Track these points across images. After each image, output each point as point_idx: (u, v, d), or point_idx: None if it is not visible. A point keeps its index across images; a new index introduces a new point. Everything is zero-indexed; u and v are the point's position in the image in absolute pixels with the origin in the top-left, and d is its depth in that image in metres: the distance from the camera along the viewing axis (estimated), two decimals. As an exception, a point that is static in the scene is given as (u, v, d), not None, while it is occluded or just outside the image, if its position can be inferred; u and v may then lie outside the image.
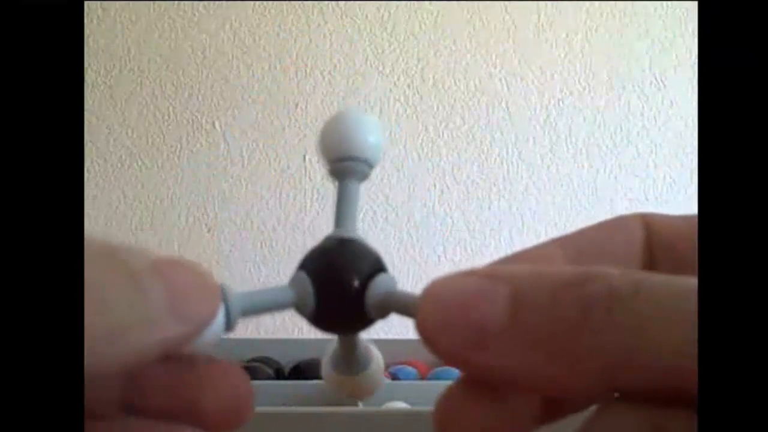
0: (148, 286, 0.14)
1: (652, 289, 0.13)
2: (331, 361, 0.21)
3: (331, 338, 0.20)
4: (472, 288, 0.14)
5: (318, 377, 0.88)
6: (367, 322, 0.19)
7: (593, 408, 0.16)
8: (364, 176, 0.21)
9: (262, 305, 0.18)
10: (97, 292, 0.13)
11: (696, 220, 0.15)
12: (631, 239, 0.18)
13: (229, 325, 0.17)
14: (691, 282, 0.13)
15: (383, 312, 0.18)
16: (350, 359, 0.20)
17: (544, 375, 0.13)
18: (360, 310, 0.18)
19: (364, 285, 0.18)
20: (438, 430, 0.15)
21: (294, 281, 0.19)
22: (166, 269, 0.14)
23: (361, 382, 0.21)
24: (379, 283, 0.18)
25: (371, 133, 0.21)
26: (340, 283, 0.18)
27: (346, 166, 0.21)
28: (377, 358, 0.21)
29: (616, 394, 0.13)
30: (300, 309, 0.18)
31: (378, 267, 0.19)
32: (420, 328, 0.14)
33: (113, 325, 0.13)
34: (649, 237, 0.18)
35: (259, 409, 0.57)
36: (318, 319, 0.19)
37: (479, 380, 0.15)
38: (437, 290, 0.14)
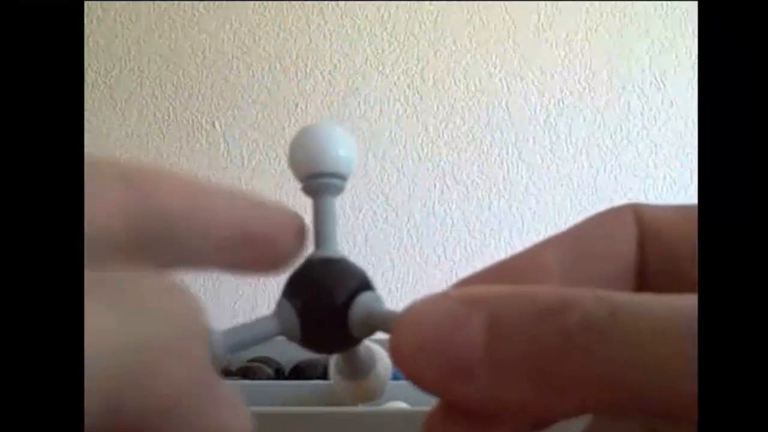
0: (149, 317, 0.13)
1: (628, 314, 0.12)
2: (336, 366, 0.21)
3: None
4: (446, 316, 0.13)
5: (318, 377, 0.88)
6: (353, 341, 0.19)
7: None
8: (338, 191, 0.20)
9: (248, 340, 0.18)
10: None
11: (687, 210, 0.15)
12: (627, 234, 0.17)
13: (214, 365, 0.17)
14: (668, 301, 0.12)
15: (367, 331, 0.18)
16: (352, 365, 0.21)
17: (525, 403, 0.13)
18: (344, 330, 0.18)
19: (347, 305, 0.18)
20: None
21: (278, 309, 0.19)
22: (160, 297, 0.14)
23: (366, 386, 0.21)
24: (361, 303, 0.18)
25: (341, 147, 0.20)
26: (321, 305, 0.18)
27: (319, 183, 0.20)
28: (383, 359, 0.21)
29: None
30: (288, 336, 0.19)
31: (362, 285, 0.18)
32: (394, 357, 0.14)
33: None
34: (640, 229, 0.17)
35: (259, 409, 0.57)
36: (306, 343, 0.19)
37: (458, 407, 0.14)
38: (411, 318, 0.13)
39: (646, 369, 0.12)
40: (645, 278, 0.17)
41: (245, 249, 0.17)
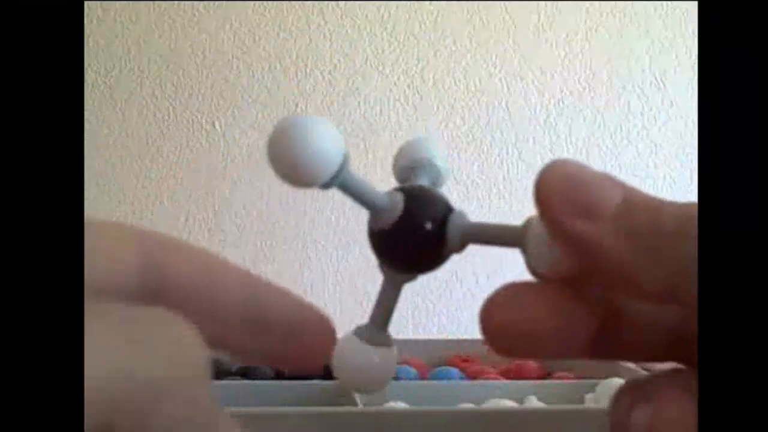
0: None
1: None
2: (356, 332, 0.20)
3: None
4: (595, 175, 0.16)
5: (318, 377, 0.88)
6: (440, 258, 0.19)
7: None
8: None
9: (362, 186, 0.19)
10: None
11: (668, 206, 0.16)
12: None
13: (342, 168, 0.18)
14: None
15: (461, 246, 0.19)
16: (385, 323, 0.20)
17: (628, 264, 0.15)
18: (439, 244, 0.19)
19: (445, 221, 0.19)
20: (494, 324, 0.16)
21: (387, 193, 0.19)
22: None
23: (384, 356, 0.20)
24: (458, 216, 0.19)
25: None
26: (426, 211, 0.19)
27: (417, 170, 0.22)
28: (394, 344, 0.21)
29: None
30: (381, 217, 0.19)
31: (451, 207, 0.20)
32: (540, 187, 0.16)
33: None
34: None
35: (259, 409, 0.57)
36: (393, 239, 0.19)
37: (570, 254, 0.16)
38: (566, 164, 0.16)
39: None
40: None
41: (261, 335, 0.17)
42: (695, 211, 0.15)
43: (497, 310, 0.16)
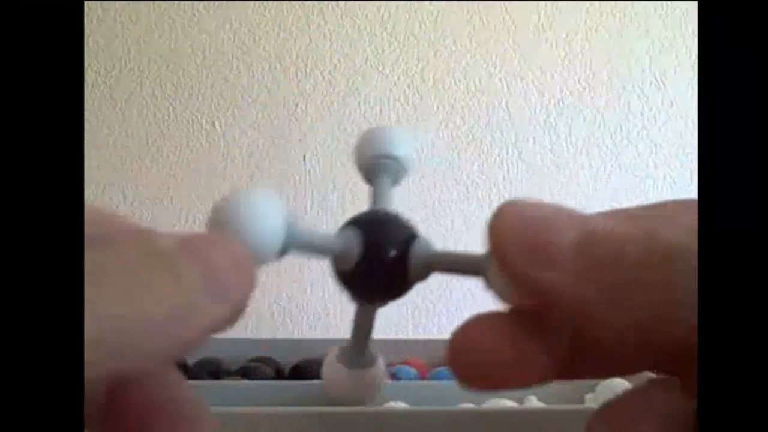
0: (183, 268, 0.13)
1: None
2: (339, 355, 0.21)
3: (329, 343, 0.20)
4: (549, 212, 0.15)
5: (318, 377, 0.88)
6: (405, 287, 0.19)
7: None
8: (396, 175, 0.22)
9: (310, 241, 0.18)
10: (132, 279, 0.13)
11: None
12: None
13: (286, 244, 0.17)
14: None
15: (425, 275, 0.19)
16: (364, 347, 0.20)
17: (594, 308, 0.14)
18: (402, 274, 0.19)
19: (407, 248, 0.19)
20: (457, 352, 0.16)
21: (341, 234, 0.19)
22: (199, 249, 0.14)
23: (372, 375, 0.21)
24: (421, 244, 0.19)
25: (404, 143, 0.22)
26: (386, 243, 0.19)
27: (379, 162, 0.22)
28: (379, 357, 0.21)
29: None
30: (341, 261, 0.19)
31: (415, 234, 0.19)
32: (491, 238, 0.15)
33: (159, 313, 0.13)
34: None
35: (259, 409, 0.57)
36: (356, 275, 0.19)
37: (527, 304, 0.15)
38: (514, 208, 0.15)
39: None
40: None
41: None
42: (667, 237, 0.14)
43: (459, 341, 0.16)
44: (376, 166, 0.22)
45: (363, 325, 0.20)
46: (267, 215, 0.17)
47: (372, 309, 0.20)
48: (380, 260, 0.19)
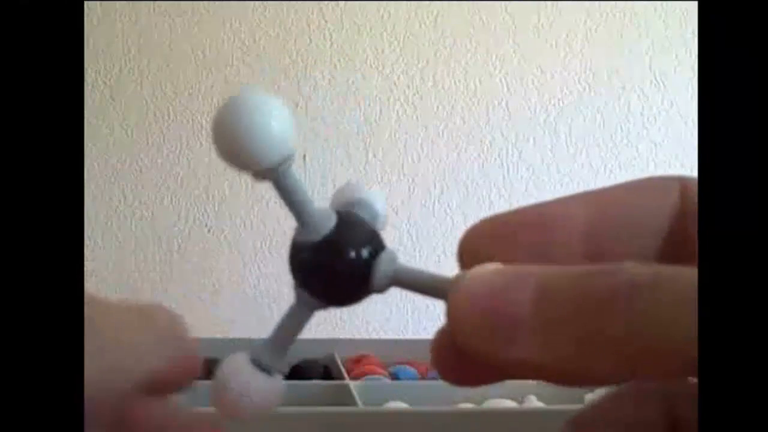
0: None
1: (670, 280, 0.13)
2: (253, 357, 0.18)
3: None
4: (499, 282, 0.14)
5: (318, 377, 0.88)
6: (364, 292, 0.18)
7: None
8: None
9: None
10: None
11: None
12: (662, 205, 0.17)
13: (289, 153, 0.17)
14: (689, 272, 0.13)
15: (386, 285, 0.18)
16: (281, 354, 0.19)
17: (566, 365, 0.13)
18: (363, 278, 0.18)
19: (373, 255, 0.18)
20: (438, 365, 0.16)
21: (323, 210, 0.18)
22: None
23: (272, 386, 0.19)
24: (387, 256, 0.18)
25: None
26: (364, 233, 0.18)
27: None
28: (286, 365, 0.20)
29: None
30: (307, 231, 0.18)
31: (383, 245, 0.19)
32: (451, 323, 0.15)
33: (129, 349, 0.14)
34: (685, 204, 0.17)
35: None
36: (316, 267, 0.18)
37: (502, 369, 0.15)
38: (466, 285, 0.15)
39: (681, 331, 0.12)
40: (685, 248, 0.17)
41: None
42: (626, 270, 0.13)
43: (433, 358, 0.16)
44: (355, 207, 0.20)
45: (291, 324, 0.18)
46: (285, 119, 0.16)
47: (310, 309, 0.18)
48: (345, 250, 0.18)
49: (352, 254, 0.18)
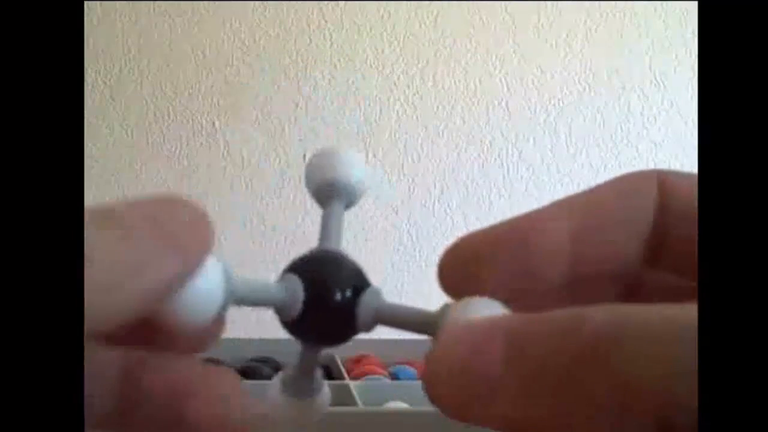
0: (137, 226, 0.14)
1: (636, 329, 0.13)
2: (283, 384, 0.20)
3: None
4: (468, 343, 0.14)
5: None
6: (352, 333, 0.19)
7: None
8: (348, 201, 0.21)
9: (253, 292, 0.18)
10: (91, 250, 0.13)
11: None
12: (642, 204, 0.17)
13: (227, 296, 0.16)
14: (673, 312, 0.13)
15: (370, 326, 0.18)
16: (310, 378, 0.20)
17: (544, 420, 0.13)
18: (348, 322, 0.18)
19: (356, 295, 0.18)
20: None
21: (283, 281, 0.19)
22: (154, 208, 0.14)
23: (318, 403, 0.20)
24: (369, 295, 0.18)
25: (355, 166, 0.21)
26: (331, 290, 0.18)
27: (331, 189, 0.21)
28: (325, 384, 0.21)
29: None
30: (284, 311, 0.18)
31: (364, 279, 0.19)
32: (427, 390, 0.14)
33: (109, 270, 0.13)
34: (664, 199, 0.17)
35: (259, 409, 0.57)
36: (301, 323, 0.18)
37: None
38: (436, 351, 0.14)
39: (655, 380, 0.12)
40: (666, 242, 0.17)
41: None
42: (592, 318, 0.13)
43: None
44: (327, 192, 0.21)
45: (309, 358, 0.20)
46: (205, 277, 0.16)
47: (318, 348, 0.20)
48: (325, 314, 0.18)
49: (331, 313, 0.18)
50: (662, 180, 0.17)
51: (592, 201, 0.17)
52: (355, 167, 0.21)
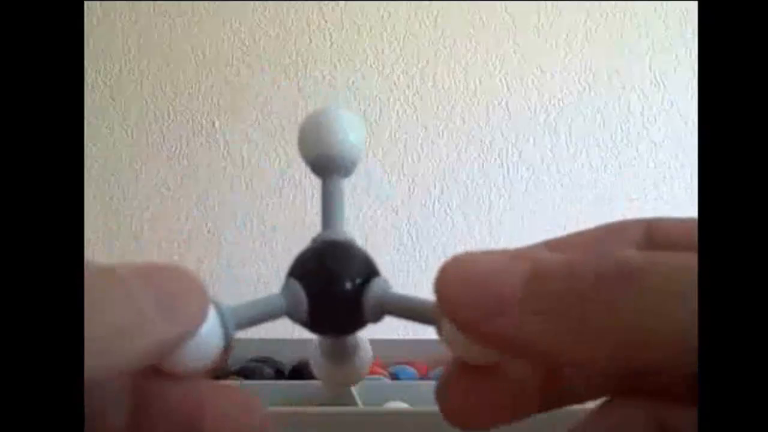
0: (136, 290, 0.14)
1: (665, 264, 0.13)
2: (322, 349, 0.21)
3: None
4: (493, 261, 0.14)
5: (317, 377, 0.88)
6: (361, 325, 0.19)
7: (592, 404, 0.16)
8: (347, 172, 0.21)
9: (255, 317, 0.18)
10: (90, 300, 0.13)
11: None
12: (628, 239, 0.17)
13: (226, 339, 0.17)
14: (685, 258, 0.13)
15: (378, 316, 0.18)
16: (342, 348, 0.20)
17: (550, 347, 0.13)
18: (354, 314, 0.18)
19: (359, 288, 0.18)
20: (446, 413, 0.16)
21: (285, 289, 0.19)
22: (153, 274, 0.15)
23: (351, 369, 0.21)
24: (373, 288, 0.18)
25: (351, 131, 0.20)
26: (333, 288, 0.18)
27: (327, 162, 0.20)
28: (364, 344, 0.21)
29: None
30: (292, 316, 0.18)
31: (370, 269, 0.19)
32: (438, 291, 0.14)
33: (108, 329, 0.13)
34: (651, 247, 0.17)
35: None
36: (314, 327, 0.19)
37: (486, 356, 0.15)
38: (459, 261, 0.15)
39: (674, 320, 0.12)
40: None
41: None
42: (617, 256, 0.13)
43: (442, 401, 0.17)
44: (324, 162, 0.20)
45: (336, 341, 0.20)
46: (201, 332, 0.16)
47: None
48: (332, 315, 0.18)
49: (338, 312, 0.19)
50: (649, 228, 0.17)
51: (576, 243, 0.18)
52: (351, 133, 0.20)
